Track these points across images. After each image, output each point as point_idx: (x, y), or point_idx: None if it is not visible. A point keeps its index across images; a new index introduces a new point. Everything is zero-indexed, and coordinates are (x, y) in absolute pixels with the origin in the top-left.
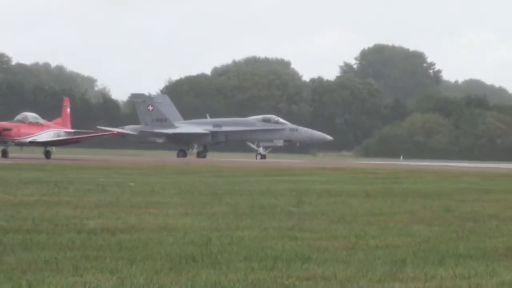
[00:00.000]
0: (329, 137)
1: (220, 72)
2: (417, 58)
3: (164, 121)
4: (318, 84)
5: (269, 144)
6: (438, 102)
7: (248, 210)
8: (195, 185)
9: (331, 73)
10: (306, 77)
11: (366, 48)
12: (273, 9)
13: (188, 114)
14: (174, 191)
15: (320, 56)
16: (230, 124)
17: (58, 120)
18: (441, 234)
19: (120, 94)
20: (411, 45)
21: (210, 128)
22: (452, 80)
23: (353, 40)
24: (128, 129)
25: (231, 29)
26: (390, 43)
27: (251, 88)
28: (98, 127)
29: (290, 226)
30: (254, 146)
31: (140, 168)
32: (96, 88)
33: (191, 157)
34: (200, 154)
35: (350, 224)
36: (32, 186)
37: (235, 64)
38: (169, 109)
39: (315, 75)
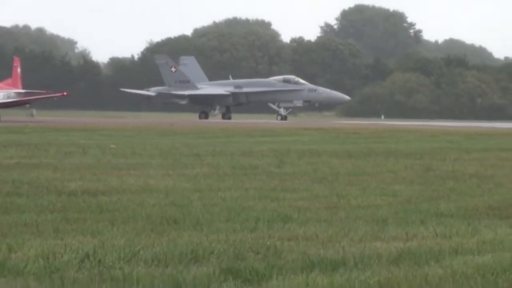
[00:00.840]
0: (347, 97)
1: (201, 34)
2: (397, 18)
3: (187, 82)
4: (298, 45)
5: (289, 105)
6: (418, 62)
7: (230, 171)
8: (177, 147)
9: (312, 34)
10: (287, 37)
11: (347, 8)
12: None
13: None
14: (155, 153)
15: (301, 16)
16: (251, 85)
17: (9, 81)
18: (423, 193)
19: (100, 56)
20: (392, 5)
21: (231, 89)
22: (433, 40)
23: (334, 0)
24: (152, 91)
25: None
26: (370, 3)
27: (231, 49)
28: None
29: (271, 186)
30: (275, 107)
31: (123, 130)
32: (76, 50)
33: (215, 119)
34: (225, 116)
35: (332, 184)
36: (11, 149)
37: (216, 25)
38: (194, 70)
39: (296, 35)
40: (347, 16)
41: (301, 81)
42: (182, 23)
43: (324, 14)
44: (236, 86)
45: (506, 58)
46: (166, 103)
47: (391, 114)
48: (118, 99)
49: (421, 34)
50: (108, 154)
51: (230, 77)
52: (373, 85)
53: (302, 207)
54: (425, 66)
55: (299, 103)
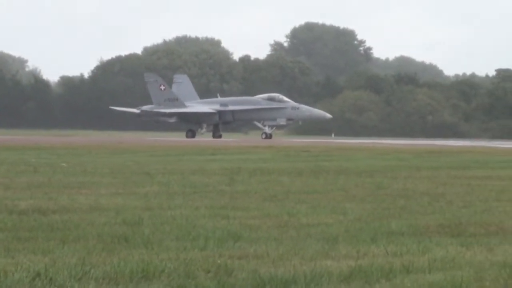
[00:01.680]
0: (328, 115)
1: (151, 52)
2: (347, 36)
3: (175, 100)
4: (248, 63)
5: (273, 123)
6: (369, 79)
7: (180, 190)
8: (128, 165)
9: (262, 52)
10: (237, 56)
11: (297, 26)
12: None
13: (120, 94)
14: (106, 171)
15: (251, 35)
16: (236, 103)
17: None
18: (373, 212)
19: (51, 74)
20: (342, 23)
21: (217, 107)
22: (383, 57)
23: (284, 19)
24: (141, 109)
25: (161, 9)
26: (320, 21)
27: (182, 67)
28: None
29: (222, 204)
30: (260, 125)
31: (74, 148)
32: (27, 69)
33: (204, 137)
34: (215, 134)
35: (282, 202)
36: None
37: (166, 43)
38: (187, 88)
39: (246, 53)
40: (297, 34)
41: (285, 99)
42: (133, 42)
43: (274, 32)
44: (222, 104)
45: (456, 75)
46: (157, 122)
47: (341, 132)
48: (69, 118)
49: (371, 51)
50: (59, 172)
51: (218, 95)
52: (324, 103)
53: (252, 225)
54: (376, 84)
55: (282, 121)
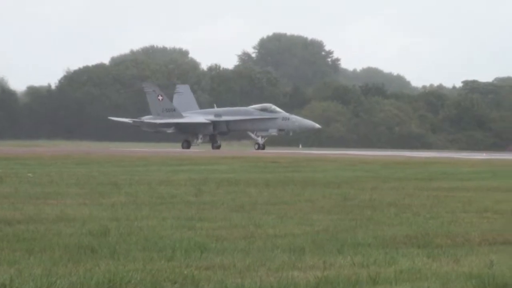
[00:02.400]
0: (317, 125)
1: (118, 62)
2: (315, 47)
3: (172, 111)
4: (216, 73)
5: (265, 133)
6: (337, 90)
7: (147, 200)
8: (94, 176)
9: (230, 63)
10: (205, 66)
11: (265, 37)
12: None
13: (87, 104)
14: (72, 182)
15: (219, 45)
16: (230, 114)
17: None
18: (340, 223)
19: (18, 84)
20: (310, 34)
21: (212, 117)
22: (351, 68)
23: (252, 29)
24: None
25: (128, 19)
26: (288, 32)
27: (150, 77)
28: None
29: (189, 215)
30: (253, 136)
31: (40, 159)
32: None
33: (198, 148)
34: (214, 145)
35: (249, 213)
36: None
37: (133, 53)
38: (187, 98)
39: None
40: (265, 44)
41: (277, 109)
42: (100, 52)
43: (242, 42)
44: (216, 115)
45: (423, 86)
46: (156, 132)
47: (309, 142)
48: (35, 128)
49: (339, 62)
50: (25, 183)
51: (215, 105)
52: (291, 113)
53: (219, 236)
54: (343, 95)
55: (274, 132)
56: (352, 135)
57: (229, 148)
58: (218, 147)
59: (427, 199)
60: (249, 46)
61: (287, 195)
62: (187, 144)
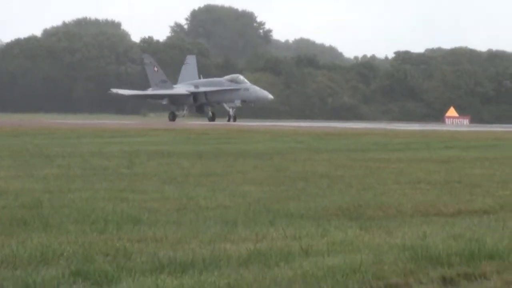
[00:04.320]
0: (270, 96)
1: (50, 34)
2: (247, 18)
3: (165, 82)
4: (148, 45)
5: (232, 104)
6: (268, 61)
7: (80, 172)
8: (27, 148)
9: (162, 34)
10: (137, 38)
11: (197, 9)
12: None
13: (19, 77)
14: (5, 154)
15: (151, 17)
16: (206, 85)
17: None
18: (272, 194)
19: None
20: (241, 5)
21: (192, 89)
22: (283, 39)
23: (184, 0)
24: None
25: None
26: (220, 3)
27: (81, 49)
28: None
29: (121, 187)
30: (227, 107)
31: None
32: None
33: (183, 120)
34: (209, 117)
35: (182, 185)
36: None
37: (65, 25)
38: (192, 70)
39: (146, 35)
40: (197, 16)
41: (242, 79)
42: (32, 24)
43: (174, 14)
44: (195, 86)
45: (355, 57)
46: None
47: (236, 113)
48: None
49: (271, 34)
50: None
51: (201, 76)
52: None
53: (151, 208)
54: (275, 66)
55: (238, 103)
56: (284, 107)
57: (160, 120)
58: (212, 118)
59: (359, 171)
60: (181, 18)
61: (219, 167)
62: (172, 116)
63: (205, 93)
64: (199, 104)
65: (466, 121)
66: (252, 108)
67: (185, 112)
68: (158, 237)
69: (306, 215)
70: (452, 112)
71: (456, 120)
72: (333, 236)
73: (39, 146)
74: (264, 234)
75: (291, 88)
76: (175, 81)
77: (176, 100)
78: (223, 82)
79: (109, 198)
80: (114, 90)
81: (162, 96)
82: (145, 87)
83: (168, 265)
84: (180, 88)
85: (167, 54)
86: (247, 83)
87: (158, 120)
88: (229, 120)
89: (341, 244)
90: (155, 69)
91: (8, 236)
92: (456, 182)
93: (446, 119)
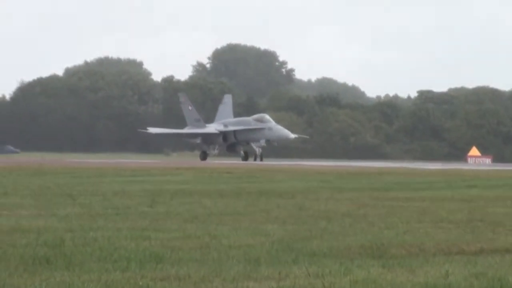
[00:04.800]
0: (292, 135)
1: (72, 73)
2: (269, 57)
3: (198, 121)
4: (169, 84)
5: (258, 144)
6: (290, 100)
7: (102, 211)
8: (48, 187)
9: (184, 74)
10: (159, 77)
11: (219, 48)
12: (124, 10)
13: (41, 116)
14: (27, 193)
15: (173, 56)
16: (234, 124)
17: None
18: (295, 233)
19: None
20: (263, 45)
21: (221, 128)
22: (305, 79)
23: (207, 40)
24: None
25: (83, 30)
26: (242, 43)
27: (104, 88)
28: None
29: (143, 226)
30: (254, 146)
31: None
32: None
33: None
34: (243, 158)
35: (204, 223)
36: None
37: (87, 64)
38: (227, 109)
39: (167, 75)
40: (219, 55)
41: (268, 118)
42: (53, 63)
43: (196, 53)
44: (225, 125)
45: (378, 97)
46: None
47: (264, 153)
48: None
49: (293, 73)
50: None
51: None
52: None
53: (174, 247)
54: (298, 105)
55: (263, 142)
56: (306, 146)
57: (181, 159)
58: (244, 157)
59: (382, 209)
60: (204, 57)
61: (241, 206)
62: (203, 155)
63: (234, 132)
64: (229, 143)
65: (488, 160)
66: (274, 148)
67: (216, 151)
68: (181, 276)
69: (329, 254)
70: (474, 151)
71: (479, 159)
72: (355, 275)
73: (60, 185)
74: (287, 273)
75: (313, 127)
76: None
77: (207, 139)
78: (250, 121)
79: (131, 236)
80: (149, 129)
81: (195, 135)
82: (166, 126)
83: None
84: (211, 127)
85: (190, 93)
86: (272, 122)
87: (181, 159)
88: (255, 160)
89: (363, 283)
90: (190, 107)
91: (31, 274)
92: (478, 221)
93: (469, 158)
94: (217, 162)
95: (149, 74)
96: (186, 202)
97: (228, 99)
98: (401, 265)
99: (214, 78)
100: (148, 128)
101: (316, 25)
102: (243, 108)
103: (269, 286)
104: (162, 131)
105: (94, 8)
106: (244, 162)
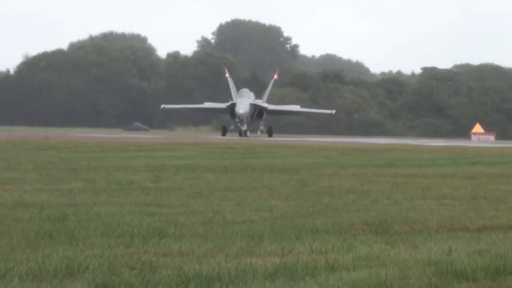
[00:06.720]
0: (241, 111)
1: (77, 48)
2: (274, 33)
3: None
4: (174, 60)
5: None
6: (295, 77)
7: (105, 186)
8: (52, 161)
9: (189, 48)
10: (163, 52)
11: (224, 23)
12: None
13: (45, 90)
14: (30, 167)
15: (178, 31)
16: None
17: None
18: (298, 209)
19: None
20: (268, 20)
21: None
22: (309, 55)
23: (211, 15)
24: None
25: (88, 4)
26: (247, 18)
27: (108, 63)
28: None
29: (147, 201)
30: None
31: None
32: None
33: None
34: (264, 133)
35: (207, 199)
36: None
37: (92, 39)
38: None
39: (172, 50)
40: (224, 30)
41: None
42: (58, 37)
43: (201, 28)
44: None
45: (382, 73)
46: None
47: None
48: None
49: (297, 49)
50: None
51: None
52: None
53: (177, 222)
54: (302, 81)
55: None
56: (311, 122)
57: (186, 134)
58: (271, 135)
59: (385, 186)
60: (208, 32)
61: (245, 181)
62: (223, 131)
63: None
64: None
65: (492, 138)
66: (279, 124)
67: (232, 126)
68: (184, 251)
69: (332, 230)
70: (478, 128)
71: (482, 136)
72: (358, 251)
73: (64, 160)
74: (290, 249)
75: (317, 103)
76: (195, 96)
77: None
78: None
79: (135, 212)
80: (168, 105)
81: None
82: (168, 102)
83: (193, 279)
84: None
85: (195, 69)
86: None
87: (185, 134)
88: (262, 133)
89: (366, 259)
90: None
91: (34, 249)
92: (481, 198)
93: (472, 136)
94: (219, 137)
95: (153, 49)
96: (189, 177)
97: (230, 80)
98: (404, 242)
99: (218, 53)
100: (173, 105)
101: (321, 1)
102: (247, 84)
103: (272, 262)
104: (211, 105)
105: None
106: (241, 137)
